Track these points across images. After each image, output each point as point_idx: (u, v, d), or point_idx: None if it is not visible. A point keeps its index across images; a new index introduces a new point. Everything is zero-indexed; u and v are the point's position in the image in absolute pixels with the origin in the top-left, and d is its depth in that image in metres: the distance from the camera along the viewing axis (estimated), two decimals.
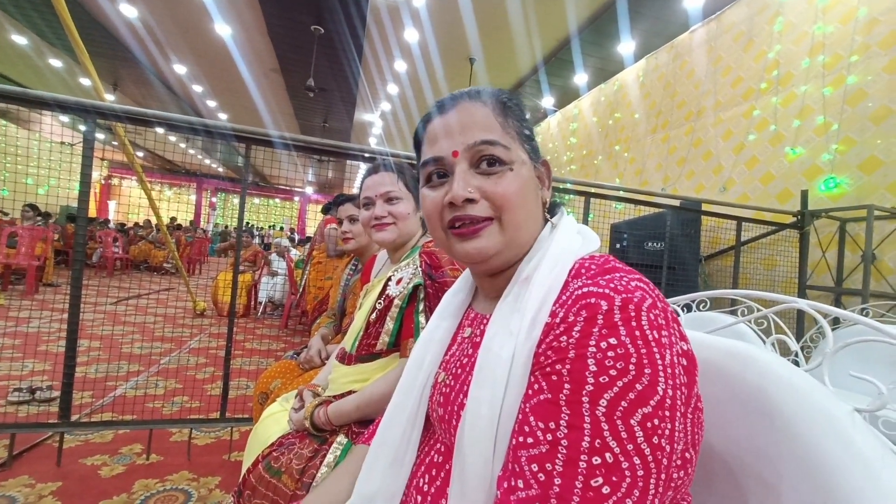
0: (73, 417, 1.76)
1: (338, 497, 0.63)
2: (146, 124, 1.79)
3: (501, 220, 0.51)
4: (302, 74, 7.56)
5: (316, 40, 6.52)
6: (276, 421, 1.07)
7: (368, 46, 6.76)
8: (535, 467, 0.38)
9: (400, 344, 0.98)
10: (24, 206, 6.89)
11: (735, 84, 3.94)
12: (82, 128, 1.74)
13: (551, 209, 0.58)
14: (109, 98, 10.43)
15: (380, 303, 1.00)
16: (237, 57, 7.39)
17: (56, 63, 8.46)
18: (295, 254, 5.28)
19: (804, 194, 3.05)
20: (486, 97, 0.54)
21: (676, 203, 3.07)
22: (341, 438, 0.88)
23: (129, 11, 6.22)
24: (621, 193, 2.65)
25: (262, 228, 15.71)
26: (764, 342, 1.20)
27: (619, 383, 0.37)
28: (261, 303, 5.40)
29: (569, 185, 2.52)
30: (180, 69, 8.38)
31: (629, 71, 5.60)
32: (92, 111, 1.71)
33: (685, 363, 0.42)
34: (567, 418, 0.38)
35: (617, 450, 0.36)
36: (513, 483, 0.39)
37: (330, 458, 0.86)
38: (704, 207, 3.18)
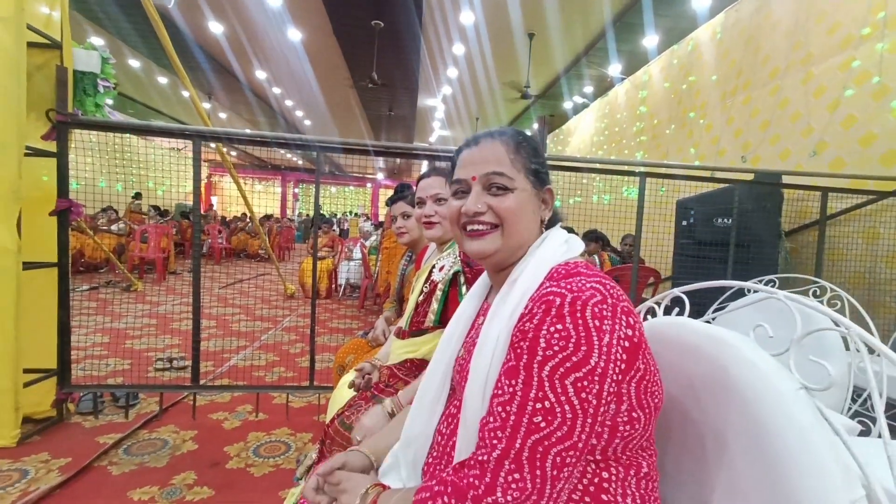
0: (201, 382, 2.21)
1: (391, 439, 0.84)
2: (239, 142, 2.14)
3: (503, 228, 0.68)
4: (366, 68, 7.92)
5: (377, 34, 6.79)
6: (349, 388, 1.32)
7: (427, 33, 6.88)
8: (499, 408, 0.55)
9: (445, 322, 1.17)
10: (150, 207, 8.22)
11: (830, 32, 3.46)
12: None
13: (549, 225, 0.73)
14: (206, 106, 11.78)
15: (426, 287, 1.20)
16: (309, 59, 7.93)
17: (162, 80, 9.74)
18: (374, 239, 5.66)
19: None
20: (506, 137, 0.70)
21: (751, 177, 2.85)
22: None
23: (216, 28, 6.97)
24: (686, 171, 2.55)
25: (336, 215, 16.71)
26: (843, 329, 1.18)
27: (560, 356, 0.53)
28: (340, 285, 5.96)
29: (623, 167, 2.49)
30: (261, 75, 9.19)
31: (705, 28, 5.10)
32: (196, 136, 2.09)
33: (627, 345, 0.56)
34: (522, 377, 0.55)
35: (553, 399, 0.52)
36: (487, 419, 0.57)
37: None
38: (787, 179, 2.92)
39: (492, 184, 0.68)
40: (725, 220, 2.89)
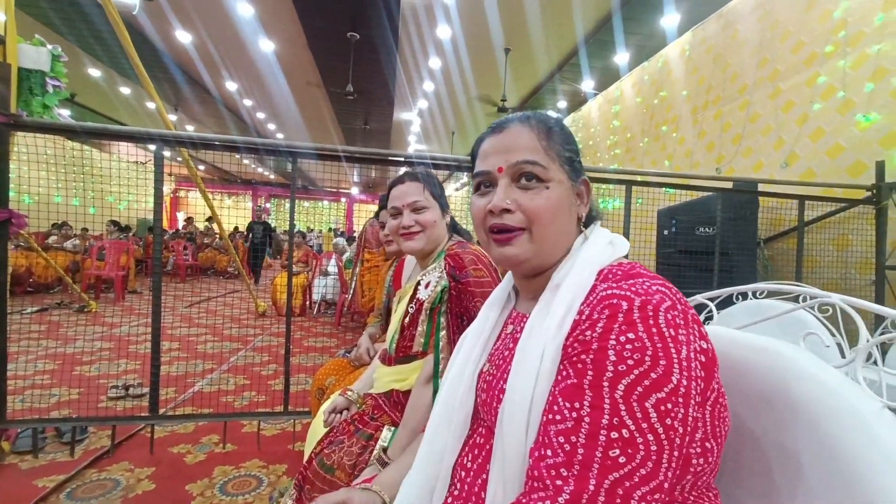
0: (161, 411, 1.99)
1: (405, 470, 0.69)
2: (206, 147, 1.98)
3: (532, 232, 0.58)
4: (341, 81, 7.81)
5: (353, 46, 6.71)
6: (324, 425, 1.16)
7: (403, 47, 6.86)
8: (561, 439, 0.43)
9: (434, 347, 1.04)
10: (108, 223, 7.73)
11: (796, 50, 3.61)
12: (152, 147, 1.94)
13: (587, 222, 0.63)
14: (172, 118, 11.35)
15: (411, 307, 1.06)
16: (282, 70, 7.76)
17: (125, 90, 9.33)
18: (349, 254, 5.50)
19: (880, 165, 2.76)
20: (535, 122, 0.60)
21: (729, 185, 2.89)
22: (385, 432, 0.96)
23: (184, 37, 6.74)
24: (668, 179, 2.55)
25: (311, 230, 16.24)
26: (833, 333, 1.12)
27: (636, 371, 0.42)
28: (315, 302, 5.71)
29: (610, 175, 2.46)
30: (231, 86, 8.94)
31: (674, 46, 5.28)
32: (158, 139, 1.92)
33: (703, 360, 0.47)
34: (590, 399, 0.43)
35: (633, 427, 0.41)
36: (543, 452, 0.45)
37: (377, 451, 0.94)
38: (763, 187, 2.98)
39: (522, 174, 0.57)
40: (708, 228, 2.90)
